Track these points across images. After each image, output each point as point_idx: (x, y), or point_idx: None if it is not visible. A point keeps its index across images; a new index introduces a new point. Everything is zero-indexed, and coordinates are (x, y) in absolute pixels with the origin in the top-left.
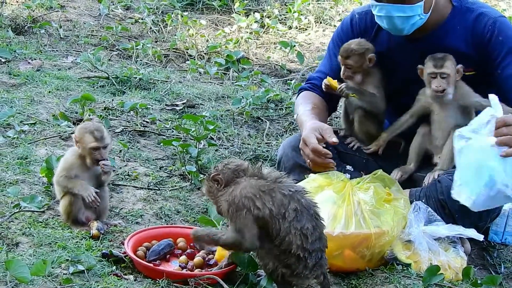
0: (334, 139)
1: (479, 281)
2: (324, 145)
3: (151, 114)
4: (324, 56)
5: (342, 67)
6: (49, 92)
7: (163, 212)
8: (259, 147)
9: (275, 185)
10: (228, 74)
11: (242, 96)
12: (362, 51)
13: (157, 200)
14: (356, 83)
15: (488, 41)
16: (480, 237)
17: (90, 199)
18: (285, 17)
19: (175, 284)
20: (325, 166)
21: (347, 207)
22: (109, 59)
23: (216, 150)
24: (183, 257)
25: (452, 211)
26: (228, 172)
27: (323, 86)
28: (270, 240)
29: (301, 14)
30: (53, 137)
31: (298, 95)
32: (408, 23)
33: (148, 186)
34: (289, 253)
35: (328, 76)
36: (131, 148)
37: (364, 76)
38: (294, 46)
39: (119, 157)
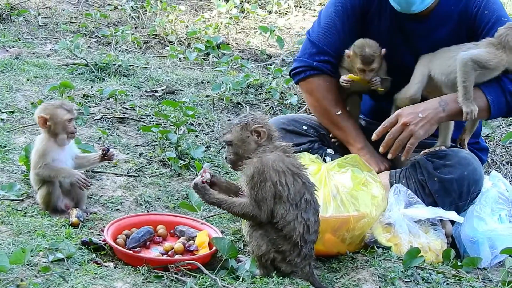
0: None
1: (459, 263)
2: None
3: (130, 100)
4: (323, 29)
5: (362, 74)
6: (28, 80)
7: (143, 199)
8: None
9: (301, 172)
10: (208, 60)
11: (222, 82)
12: (379, 51)
13: (137, 187)
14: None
15: (474, 16)
16: (461, 219)
17: (81, 182)
18: (265, 2)
19: (155, 270)
20: None
21: (324, 191)
22: (88, 46)
23: (196, 136)
24: (167, 244)
25: (432, 191)
26: (270, 130)
27: (344, 83)
28: (271, 222)
29: None
30: (32, 125)
31: (302, 77)
32: None
33: (127, 173)
34: (288, 238)
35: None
36: (111, 135)
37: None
38: (274, 30)
39: (99, 144)
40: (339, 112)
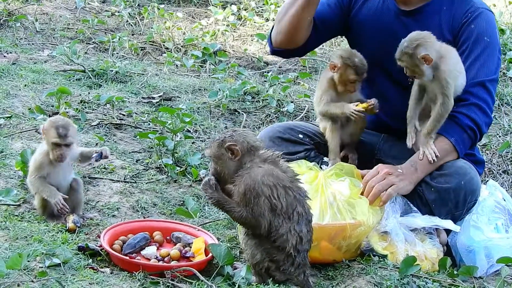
0: None
1: (455, 272)
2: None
3: (127, 107)
4: None
5: (351, 86)
6: (25, 85)
7: (139, 205)
8: None
9: (292, 184)
10: (205, 67)
11: (219, 89)
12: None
13: (134, 193)
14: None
15: (461, 27)
16: (457, 228)
17: (59, 206)
18: (262, 9)
19: (151, 276)
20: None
21: (321, 198)
22: (85, 52)
23: (192, 143)
24: (163, 250)
25: (428, 201)
26: (246, 146)
27: (355, 115)
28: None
29: (278, 6)
30: (29, 130)
31: None
32: None
33: (124, 179)
34: (281, 249)
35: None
36: (108, 141)
37: None
38: None
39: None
40: None
